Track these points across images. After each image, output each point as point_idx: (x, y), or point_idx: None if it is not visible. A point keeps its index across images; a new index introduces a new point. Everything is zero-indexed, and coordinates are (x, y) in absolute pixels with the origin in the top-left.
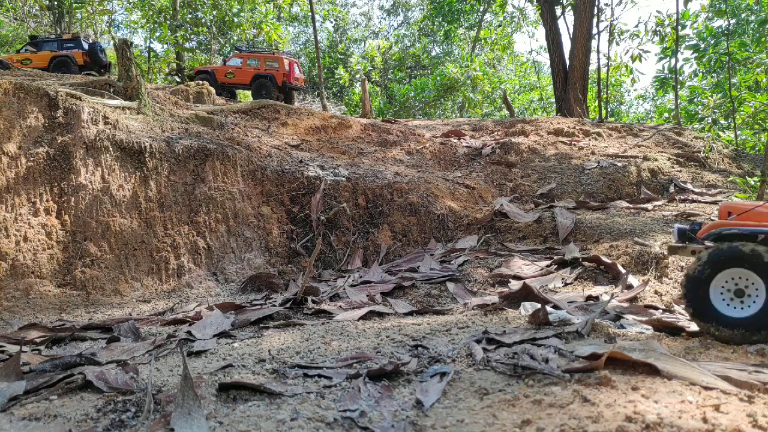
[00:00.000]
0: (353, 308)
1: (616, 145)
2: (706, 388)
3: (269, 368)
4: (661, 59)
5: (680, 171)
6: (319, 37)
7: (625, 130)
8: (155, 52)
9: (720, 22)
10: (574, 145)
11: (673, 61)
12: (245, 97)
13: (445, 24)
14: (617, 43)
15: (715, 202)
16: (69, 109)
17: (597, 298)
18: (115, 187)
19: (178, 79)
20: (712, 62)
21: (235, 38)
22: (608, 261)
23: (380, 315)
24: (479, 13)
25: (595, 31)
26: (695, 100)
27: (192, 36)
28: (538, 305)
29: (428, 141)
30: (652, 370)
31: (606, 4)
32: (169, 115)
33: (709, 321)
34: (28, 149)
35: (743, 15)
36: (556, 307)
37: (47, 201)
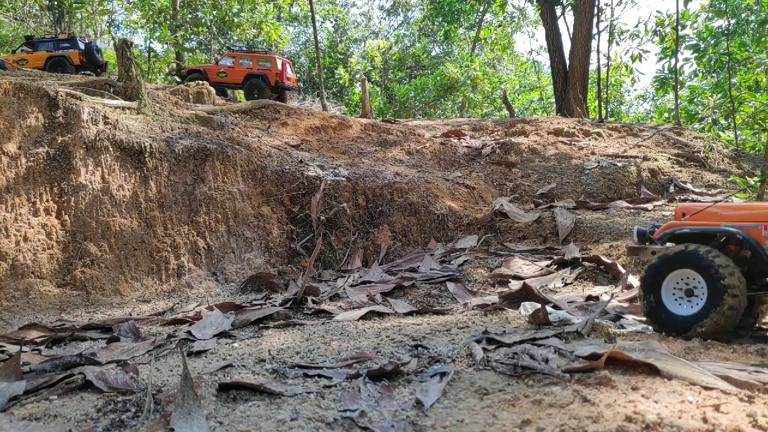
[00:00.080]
0: (353, 308)
1: (616, 145)
2: (706, 388)
3: (269, 368)
4: (661, 59)
5: (680, 171)
6: (319, 37)
7: (625, 130)
8: (155, 52)
9: (720, 22)
10: (574, 145)
11: (673, 61)
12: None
13: (445, 24)
14: (617, 43)
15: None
16: (69, 109)
17: (597, 298)
18: (115, 187)
19: (178, 79)
20: (712, 62)
21: (235, 38)
22: (608, 261)
23: (380, 315)
24: (479, 13)
25: (595, 31)
26: (695, 100)
27: (192, 36)
28: (538, 305)
29: (428, 141)
30: (652, 370)
31: (606, 4)
32: (169, 115)
33: (660, 320)
34: (28, 149)
35: (743, 15)
36: (556, 307)
37: (47, 201)
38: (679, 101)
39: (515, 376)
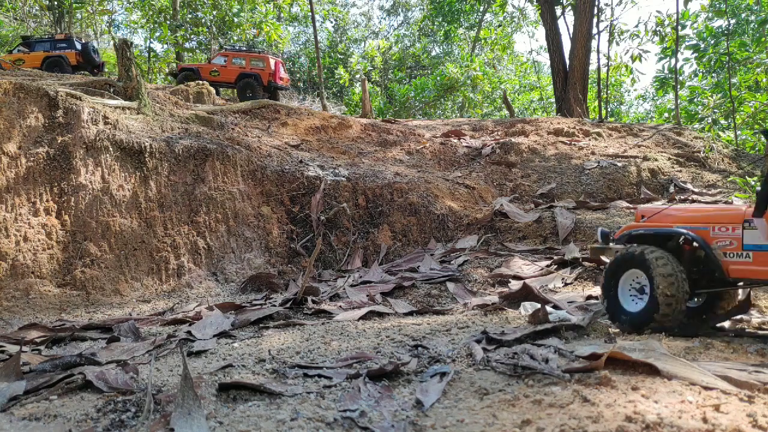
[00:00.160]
0: (353, 308)
1: (616, 145)
2: (706, 388)
3: (269, 368)
4: (661, 59)
5: (680, 171)
6: (319, 37)
7: (625, 130)
8: (155, 52)
9: (720, 22)
10: (574, 145)
11: (673, 61)
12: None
13: (445, 24)
14: (617, 43)
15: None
16: (69, 109)
17: (597, 298)
18: (115, 187)
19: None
20: (712, 62)
21: (236, 38)
22: (608, 261)
23: (380, 315)
24: (479, 13)
25: (595, 31)
26: (695, 100)
27: (192, 36)
28: (538, 305)
29: (428, 141)
30: (652, 370)
31: (606, 4)
32: (169, 115)
33: (617, 317)
34: (28, 149)
35: (743, 15)
36: (556, 307)
37: (47, 201)
38: (679, 101)
39: (515, 376)
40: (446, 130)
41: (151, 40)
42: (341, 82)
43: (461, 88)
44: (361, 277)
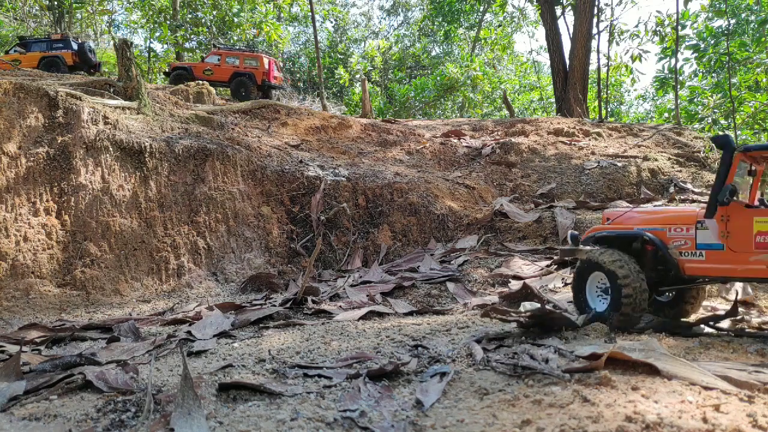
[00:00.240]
0: (353, 308)
1: (616, 145)
2: (706, 388)
3: (269, 368)
4: (661, 59)
5: (680, 171)
6: (319, 37)
7: (625, 130)
8: (155, 52)
9: (720, 22)
10: (574, 145)
11: (673, 61)
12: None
13: (445, 24)
14: (617, 43)
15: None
16: (69, 109)
17: None
18: (115, 187)
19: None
20: (712, 62)
21: (236, 38)
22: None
23: (380, 315)
24: (479, 13)
25: (595, 31)
26: (695, 100)
27: (192, 36)
28: (538, 305)
29: (428, 141)
30: (652, 370)
31: (606, 4)
32: (169, 115)
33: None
34: (28, 149)
35: (743, 15)
36: (556, 307)
37: (47, 201)
38: (679, 101)
39: (515, 376)
40: (446, 130)
41: (151, 40)
42: (341, 82)
43: (461, 88)
44: (361, 277)
